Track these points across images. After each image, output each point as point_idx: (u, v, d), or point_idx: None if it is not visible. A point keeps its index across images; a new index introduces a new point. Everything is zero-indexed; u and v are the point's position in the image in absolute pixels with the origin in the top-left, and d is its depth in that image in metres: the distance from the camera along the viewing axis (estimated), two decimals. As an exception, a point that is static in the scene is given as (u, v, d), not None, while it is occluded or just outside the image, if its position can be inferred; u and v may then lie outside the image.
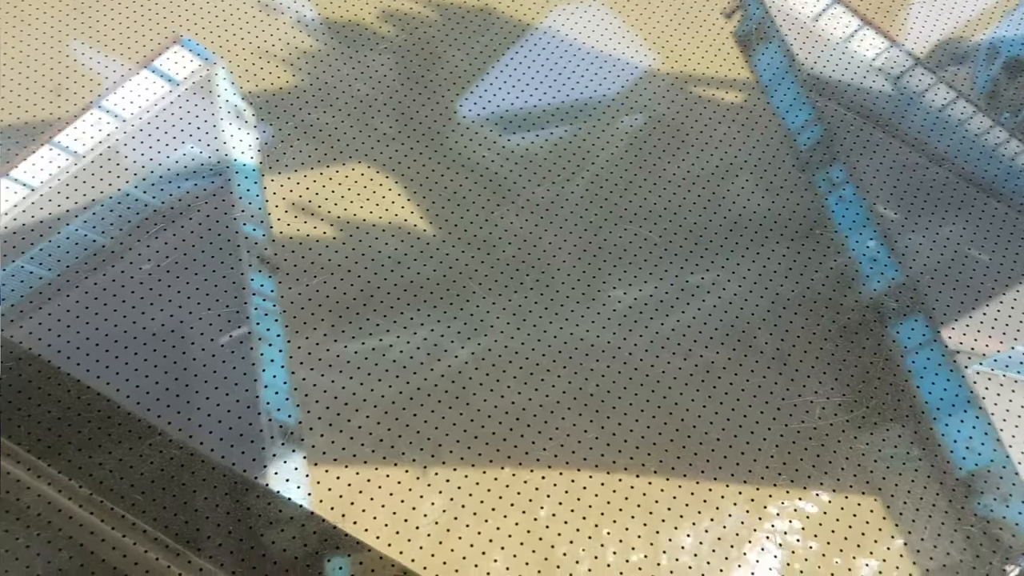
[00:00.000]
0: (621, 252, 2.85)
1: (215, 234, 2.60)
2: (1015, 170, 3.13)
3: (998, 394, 2.52)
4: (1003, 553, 2.34)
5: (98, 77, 3.00)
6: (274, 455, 2.28)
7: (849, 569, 2.37)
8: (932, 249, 2.84)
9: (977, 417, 2.47)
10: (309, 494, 2.32)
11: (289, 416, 2.42)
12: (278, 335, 2.54)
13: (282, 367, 2.47)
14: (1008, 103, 3.51)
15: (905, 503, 2.48)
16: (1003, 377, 2.55)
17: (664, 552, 2.35)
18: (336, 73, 3.14)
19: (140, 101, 2.78)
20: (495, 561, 2.29)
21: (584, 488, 2.42)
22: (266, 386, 2.38)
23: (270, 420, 2.33)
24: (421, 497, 2.36)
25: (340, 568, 2.12)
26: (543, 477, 2.42)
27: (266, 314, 2.54)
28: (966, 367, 2.53)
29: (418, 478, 2.39)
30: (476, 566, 2.27)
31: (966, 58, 3.61)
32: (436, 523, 2.32)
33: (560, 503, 2.39)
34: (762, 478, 2.48)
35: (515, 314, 2.70)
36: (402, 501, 2.35)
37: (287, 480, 2.27)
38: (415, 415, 2.49)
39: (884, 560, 2.39)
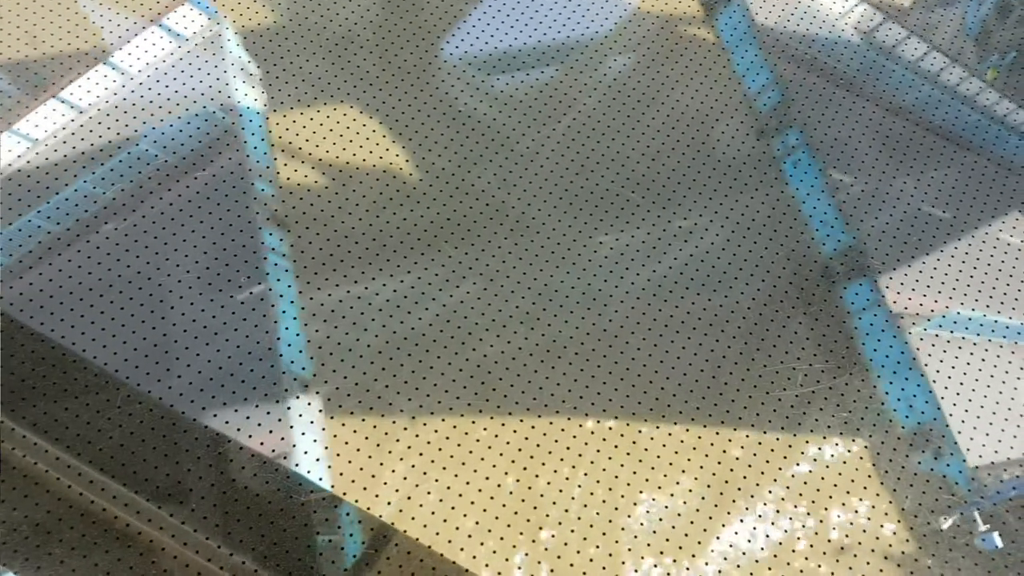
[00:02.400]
0: (612, 197, 2.66)
1: (223, 193, 2.46)
2: (989, 119, 3.00)
3: (940, 354, 2.49)
4: (940, 506, 2.31)
5: (85, 22, 2.73)
6: (290, 409, 2.17)
7: (836, 518, 2.27)
8: (896, 208, 2.72)
9: (918, 377, 2.44)
10: (326, 448, 2.20)
11: (303, 369, 2.29)
12: (283, 292, 2.38)
13: (296, 321, 2.34)
14: (996, 44, 3.32)
15: (893, 451, 2.36)
16: (945, 337, 2.51)
17: (651, 500, 2.22)
18: (316, 9, 2.88)
19: (148, 57, 2.63)
20: (484, 511, 2.16)
21: (574, 437, 2.28)
22: (281, 340, 2.26)
23: (285, 374, 2.21)
24: (409, 448, 2.22)
25: (352, 520, 2.00)
26: (533, 427, 2.28)
27: (269, 272, 2.39)
28: (910, 329, 2.50)
29: (406, 428, 2.24)
30: (465, 515, 2.15)
31: (956, -1, 3.41)
32: (425, 473, 2.19)
33: (550, 451, 2.26)
34: (752, 425, 2.36)
35: (505, 261, 2.52)
36: (389, 452, 2.21)
37: (303, 433, 2.16)
38: (402, 365, 2.33)
39: (872, 507, 2.29)
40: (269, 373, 2.19)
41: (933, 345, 2.49)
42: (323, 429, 2.21)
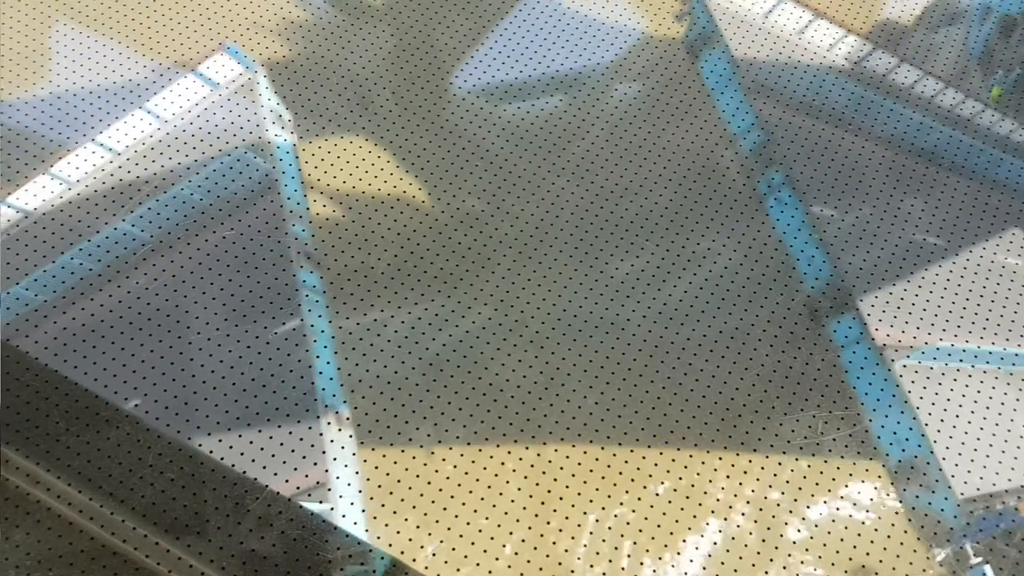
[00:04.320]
0: (625, 223, 2.66)
1: (256, 230, 2.46)
2: (994, 142, 2.90)
3: (928, 387, 2.39)
4: (928, 541, 2.24)
5: (121, 68, 2.77)
6: (332, 441, 2.16)
7: (853, 547, 2.23)
8: (887, 239, 2.62)
9: (904, 410, 2.36)
10: (356, 473, 2.20)
11: (334, 397, 2.29)
12: (314, 323, 2.39)
13: (327, 350, 2.34)
14: (1000, 63, 3.27)
15: (912, 470, 2.32)
16: (930, 370, 2.41)
17: (668, 528, 2.20)
18: (332, 47, 2.91)
19: (183, 102, 2.65)
20: (503, 545, 2.15)
21: (596, 461, 2.27)
22: (312, 370, 2.25)
23: (317, 402, 2.20)
24: (429, 483, 2.21)
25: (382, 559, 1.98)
26: (556, 450, 2.28)
27: (301, 304, 2.38)
28: (897, 362, 2.40)
29: (426, 464, 2.23)
30: (485, 551, 2.13)
31: (958, 18, 3.37)
32: (432, 517, 2.17)
33: (572, 475, 2.25)
34: (766, 457, 2.33)
35: (522, 288, 2.52)
36: (410, 488, 2.20)
37: (334, 459, 2.15)
38: (420, 393, 2.33)
39: (889, 534, 2.25)
40: (303, 402, 2.19)
41: (921, 377, 2.40)
42: (353, 455, 2.20)
